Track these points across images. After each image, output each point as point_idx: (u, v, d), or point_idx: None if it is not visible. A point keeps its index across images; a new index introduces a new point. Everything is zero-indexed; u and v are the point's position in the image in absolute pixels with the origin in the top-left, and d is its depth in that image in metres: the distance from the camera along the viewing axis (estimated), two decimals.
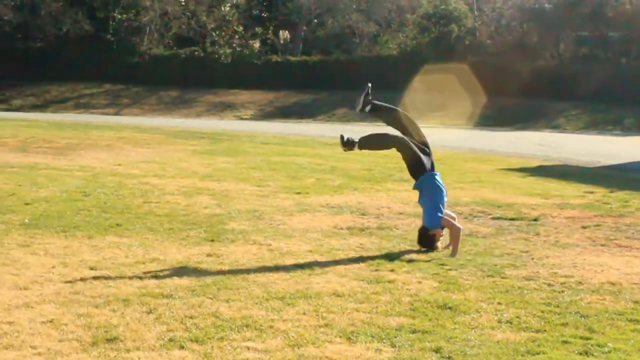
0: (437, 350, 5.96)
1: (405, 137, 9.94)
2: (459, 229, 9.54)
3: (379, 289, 7.62)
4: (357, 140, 9.93)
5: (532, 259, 9.22)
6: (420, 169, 9.86)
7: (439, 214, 9.63)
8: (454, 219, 9.88)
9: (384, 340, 6.16)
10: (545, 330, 6.51)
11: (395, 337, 6.22)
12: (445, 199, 9.92)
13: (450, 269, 8.54)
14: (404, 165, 17.21)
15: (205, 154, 20.79)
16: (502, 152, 25.00)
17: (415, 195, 13.63)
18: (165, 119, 40.14)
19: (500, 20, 51.26)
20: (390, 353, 5.92)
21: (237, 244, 9.62)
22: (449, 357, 5.86)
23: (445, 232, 9.76)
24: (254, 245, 9.60)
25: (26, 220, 10.52)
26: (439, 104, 43.79)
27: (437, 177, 9.88)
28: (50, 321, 6.33)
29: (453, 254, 9.29)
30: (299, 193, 13.92)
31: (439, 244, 9.64)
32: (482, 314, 6.90)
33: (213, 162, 18.68)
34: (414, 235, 10.32)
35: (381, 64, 47.88)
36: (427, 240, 9.64)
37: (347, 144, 9.96)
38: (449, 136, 31.74)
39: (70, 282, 7.55)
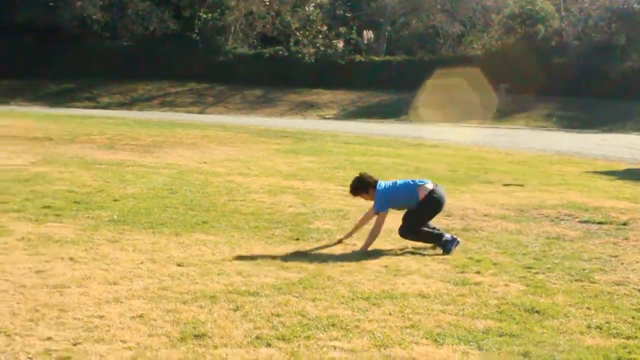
0: (525, 355, 5.88)
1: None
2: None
3: (465, 291, 7.56)
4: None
5: (622, 263, 9.05)
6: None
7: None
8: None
9: (471, 343, 6.11)
10: (636, 337, 6.37)
11: (483, 340, 6.16)
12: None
13: (537, 273, 8.43)
14: (489, 166, 17.15)
15: (288, 153, 20.87)
16: (589, 154, 24.61)
17: (500, 197, 13.54)
18: (248, 118, 40.44)
19: (587, 21, 50.48)
20: (477, 356, 5.86)
21: (322, 243, 9.63)
22: None
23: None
24: (339, 244, 9.60)
25: (115, 217, 10.69)
26: (523, 105, 43.37)
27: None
28: (140, 316, 6.42)
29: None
30: None
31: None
32: (570, 319, 6.79)
33: (297, 161, 18.74)
34: (500, 237, 10.26)
35: (465, 64, 47.60)
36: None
37: None
38: (533, 138, 31.40)
39: (158, 278, 7.64)
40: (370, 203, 9.76)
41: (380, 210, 9.54)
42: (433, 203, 9.53)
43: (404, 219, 9.62)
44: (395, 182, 9.77)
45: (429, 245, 9.56)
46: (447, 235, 9.49)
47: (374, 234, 9.49)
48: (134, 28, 51.78)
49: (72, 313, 6.42)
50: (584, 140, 31.89)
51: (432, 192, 9.51)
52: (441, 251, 9.34)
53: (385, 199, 9.54)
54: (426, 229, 9.55)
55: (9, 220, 10.08)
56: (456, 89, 45.27)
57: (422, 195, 9.49)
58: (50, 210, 10.89)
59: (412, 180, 9.77)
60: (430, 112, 43.60)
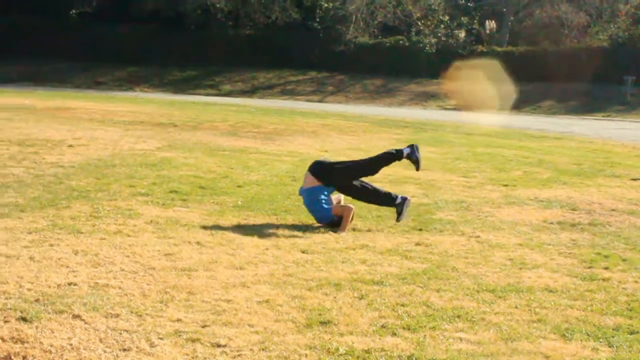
0: None
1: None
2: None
3: (593, 287, 7.40)
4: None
5: None
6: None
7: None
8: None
9: (601, 340, 5.98)
10: None
11: (613, 337, 6.02)
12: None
13: None
14: (615, 160, 16.68)
15: (409, 143, 20.73)
16: None
17: (628, 192, 13.21)
18: (368, 107, 40.44)
19: None
20: (607, 353, 5.73)
21: (445, 234, 9.58)
22: None
23: None
24: (462, 236, 9.53)
25: (239, 202, 10.84)
26: None
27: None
28: (266, 301, 6.49)
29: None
30: (506, 185, 13.71)
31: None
32: None
33: None
34: (629, 232, 10.03)
35: (591, 55, 46.50)
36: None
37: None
38: None
39: (283, 264, 7.72)
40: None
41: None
42: None
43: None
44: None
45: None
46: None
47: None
48: (256, 17, 52.25)
49: (200, 296, 6.54)
50: None
51: None
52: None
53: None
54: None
55: (137, 204, 10.33)
56: (580, 80, 44.28)
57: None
58: (176, 194, 11.12)
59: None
60: (553, 104, 42.82)
